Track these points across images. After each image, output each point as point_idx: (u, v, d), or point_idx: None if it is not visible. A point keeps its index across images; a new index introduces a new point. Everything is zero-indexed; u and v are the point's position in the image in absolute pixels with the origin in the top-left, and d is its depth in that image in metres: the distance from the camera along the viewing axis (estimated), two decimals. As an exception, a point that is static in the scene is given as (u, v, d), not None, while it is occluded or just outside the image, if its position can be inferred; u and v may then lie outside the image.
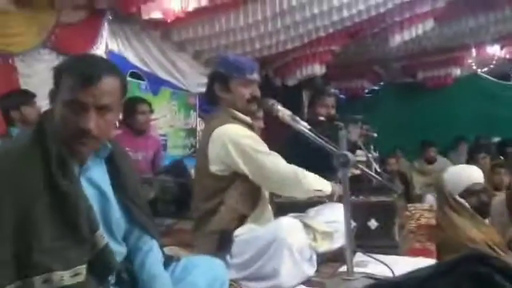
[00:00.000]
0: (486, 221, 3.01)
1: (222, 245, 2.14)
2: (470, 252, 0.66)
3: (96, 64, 1.33)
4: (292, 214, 2.34)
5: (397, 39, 5.84)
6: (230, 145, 2.17)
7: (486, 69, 7.80)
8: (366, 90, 8.46)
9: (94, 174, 1.39)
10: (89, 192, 1.34)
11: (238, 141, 2.18)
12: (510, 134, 6.57)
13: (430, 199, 4.59)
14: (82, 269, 1.25)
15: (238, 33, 5.02)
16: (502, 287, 0.56)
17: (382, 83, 8.46)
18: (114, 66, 1.39)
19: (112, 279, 1.41)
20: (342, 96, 8.04)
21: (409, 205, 4.05)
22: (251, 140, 2.21)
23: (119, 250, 1.43)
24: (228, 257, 2.12)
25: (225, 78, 2.28)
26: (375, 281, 0.68)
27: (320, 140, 2.14)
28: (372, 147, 5.28)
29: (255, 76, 2.32)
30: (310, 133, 2.20)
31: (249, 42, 5.23)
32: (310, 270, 2.13)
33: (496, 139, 6.68)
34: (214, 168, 2.21)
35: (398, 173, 5.42)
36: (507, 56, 7.40)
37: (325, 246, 2.26)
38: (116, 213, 1.42)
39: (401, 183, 4.94)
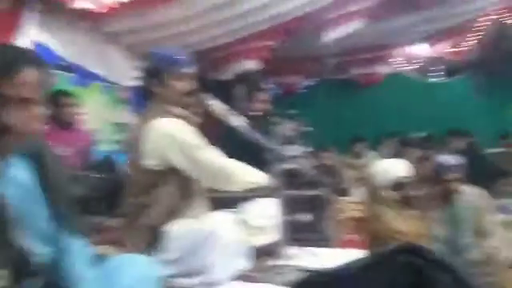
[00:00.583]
0: (413, 212, 3.16)
1: (154, 241, 2.10)
2: (402, 243, 0.68)
3: (16, 55, 1.27)
4: (227, 209, 2.35)
5: (330, 36, 5.98)
6: (166, 139, 2.13)
7: (414, 67, 8.15)
8: (302, 86, 8.61)
9: (18, 171, 1.32)
10: (11, 191, 1.27)
11: (173, 135, 2.15)
12: (434, 130, 6.93)
13: (359, 192, 4.75)
14: (4, 273, 1.19)
15: (172, 26, 4.94)
16: (433, 277, 0.59)
17: (317, 79, 8.63)
18: (36, 57, 1.32)
19: (38, 281, 1.35)
20: (278, 91, 8.13)
21: (339, 198, 4.17)
22: (187, 134, 2.18)
23: (43, 251, 1.37)
24: (160, 253, 2.09)
25: (159, 72, 2.23)
26: (309, 273, 0.68)
27: (254, 135, 2.15)
28: (306, 142, 5.36)
29: (191, 69, 2.28)
30: (244, 128, 2.21)
31: (183, 36, 5.16)
32: (244, 265, 2.15)
33: (422, 134, 7.02)
34: (147, 162, 2.17)
35: (329, 167, 5.56)
36: (435, 55, 7.76)
37: (259, 241, 2.28)
38: (41, 212, 1.36)
39: (332, 177, 5.07)
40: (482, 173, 4.85)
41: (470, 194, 3.55)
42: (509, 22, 6.53)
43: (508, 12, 6.41)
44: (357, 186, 5.26)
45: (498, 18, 6.50)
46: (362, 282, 0.60)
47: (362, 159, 6.40)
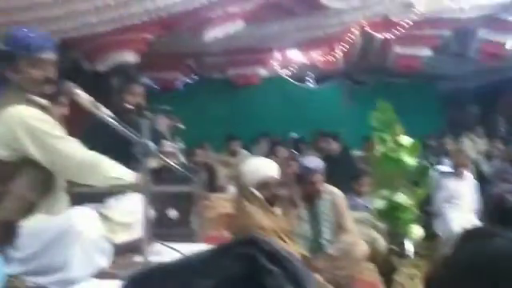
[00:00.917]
0: (278, 210, 3.30)
1: (4, 237, 1.95)
2: (243, 236, 0.69)
3: None
4: (89, 204, 2.25)
5: (210, 35, 6.01)
6: (19, 128, 1.99)
7: (289, 72, 8.51)
8: (180, 83, 8.55)
9: None
10: None
11: (28, 124, 2.00)
12: (304, 132, 7.30)
13: (232, 190, 4.85)
14: None
15: (41, 9, 4.62)
16: (266, 268, 0.60)
17: (195, 77, 8.63)
18: None
19: None
20: (155, 87, 7.99)
21: (213, 195, 4.22)
22: (45, 123, 2.05)
23: None
24: (11, 250, 1.94)
25: (13, 56, 2.07)
26: (147, 266, 0.68)
27: (122, 128, 2.09)
28: (180, 138, 5.34)
29: (49, 55, 2.12)
30: (113, 121, 2.13)
31: (54, 21, 4.86)
32: (104, 262, 2.08)
33: (293, 136, 7.37)
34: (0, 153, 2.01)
35: (204, 164, 5.60)
36: (308, 61, 8.17)
37: (122, 237, 2.23)
38: None
39: (207, 174, 5.11)
40: (346, 173, 5.23)
41: (331, 194, 3.79)
42: (373, 36, 7.09)
43: (373, 27, 6.96)
44: (231, 183, 5.36)
45: (365, 32, 7.02)
46: (200, 273, 0.61)
47: (236, 157, 6.54)
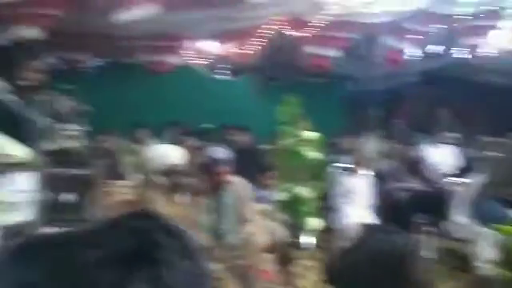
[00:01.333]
0: (181, 198, 3.29)
1: None
2: (136, 210, 0.68)
3: None
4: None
5: (122, 16, 5.82)
6: None
7: (203, 62, 8.45)
8: (88, 64, 8.20)
9: None
10: None
11: None
12: (215, 123, 7.30)
13: (136, 177, 4.75)
14: None
15: None
16: (160, 243, 0.59)
17: (105, 59, 8.32)
18: None
19: None
20: (61, 66, 7.60)
21: (114, 181, 4.10)
22: None
23: None
24: None
25: None
26: (33, 235, 0.64)
27: (19, 106, 1.98)
28: (83, 121, 5.13)
29: None
30: (8, 95, 2.01)
31: None
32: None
33: (204, 126, 7.35)
34: None
35: (107, 149, 5.43)
36: (223, 53, 8.17)
37: (10, 218, 2.11)
38: None
39: (109, 160, 4.97)
40: (254, 166, 5.31)
41: (236, 185, 3.84)
42: (288, 33, 7.24)
43: (289, 24, 7.11)
44: (134, 170, 5.24)
45: (281, 29, 7.15)
46: (89, 243, 0.59)
47: (142, 145, 6.40)
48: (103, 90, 7.18)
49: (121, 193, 3.63)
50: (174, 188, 3.20)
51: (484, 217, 4.06)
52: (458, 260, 4.21)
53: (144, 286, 0.56)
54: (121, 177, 4.95)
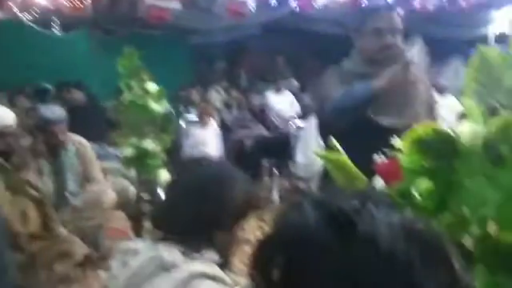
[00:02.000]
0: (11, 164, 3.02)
1: None
2: None
3: None
4: None
5: None
6: None
7: (29, 16, 7.67)
8: None
9: None
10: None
11: None
12: (50, 81, 6.76)
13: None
14: None
15: None
16: None
17: None
18: None
19: None
20: None
21: None
22: None
23: None
24: None
25: None
26: None
27: None
28: None
29: None
30: None
31: None
32: None
33: (38, 85, 6.77)
34: None
35: None
36: (52, 7, 7.48)
37: None
38: None
39: None
40: (95, 123, 5.07)
41: (76, 144, 3.64)
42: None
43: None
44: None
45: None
46: None
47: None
48: None
49: None
50: (6, 152, 2.91)
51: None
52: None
53: None
54: None
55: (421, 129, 1.10)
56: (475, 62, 1.11)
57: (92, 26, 8.16)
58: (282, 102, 7.24)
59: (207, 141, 5.50)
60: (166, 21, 7.68)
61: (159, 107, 3.80)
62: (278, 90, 7.38)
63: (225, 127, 6.24)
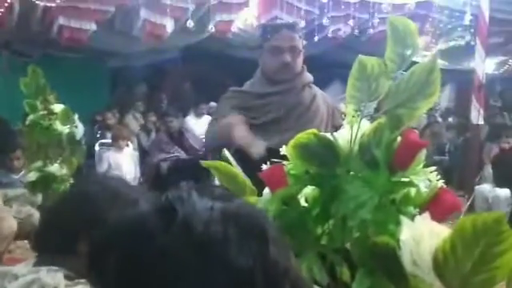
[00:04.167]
0: None
1: None
2: None
3: None
4: None
5: None
6: None
7: None
8: None
9: None
10: None
11: None
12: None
13: None
14: None
15: None
16: None
17: None
18: None
19: None
20: None
21: None
22: None
23: None
24: None
25: None
26: None
27: None
28: None
29: None
30: None
31: None
32: None
33: None
34: None
35: None
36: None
37: None
38: None
39: None
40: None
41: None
42: (34, 2, 6.62)
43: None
44: None
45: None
46: None
47: None
48: None
49: None
50: None
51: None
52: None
53: None
54: None
55: (304, 135, 1.10)
56: (354, 71, 1.14)
57: (3, 48, 7.78)
58: (203, 126, 7.20)
59: (122, 164, 5.34)
60: (81, 43, 7.46)
61: (66, 129, 3.62)
62: (198, 114, 7.36)
63: (142, 151, 6.10)
